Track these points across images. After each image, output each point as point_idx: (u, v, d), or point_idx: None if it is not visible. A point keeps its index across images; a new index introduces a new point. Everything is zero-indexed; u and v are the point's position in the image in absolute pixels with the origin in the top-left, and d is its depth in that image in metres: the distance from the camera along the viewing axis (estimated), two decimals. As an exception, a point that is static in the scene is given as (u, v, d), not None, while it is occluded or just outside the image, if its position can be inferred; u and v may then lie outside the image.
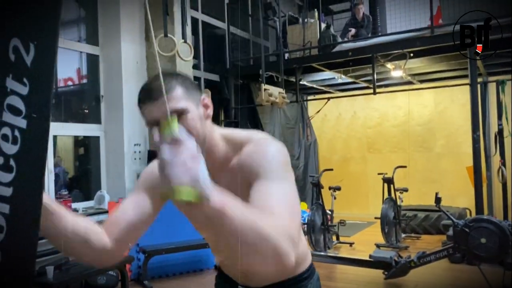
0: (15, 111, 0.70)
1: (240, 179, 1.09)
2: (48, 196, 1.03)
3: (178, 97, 1.04)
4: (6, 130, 0.68)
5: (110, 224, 1.16)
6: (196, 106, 1.07)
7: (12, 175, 0.71)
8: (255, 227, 0.85)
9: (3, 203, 0.72)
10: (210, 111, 1.12)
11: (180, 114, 1.03)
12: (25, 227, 0.78)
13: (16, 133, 0.70)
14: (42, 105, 0.73)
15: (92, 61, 5.55)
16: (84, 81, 5.91)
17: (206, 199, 0.81)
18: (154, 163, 1.22)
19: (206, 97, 1.12)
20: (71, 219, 1.06)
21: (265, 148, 1.09)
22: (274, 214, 0.92)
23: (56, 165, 5.01)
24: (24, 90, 0.70)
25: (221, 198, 0.84)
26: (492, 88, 6.82)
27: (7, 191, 0.71)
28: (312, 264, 1.34)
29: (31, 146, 0.73)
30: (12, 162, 0.71)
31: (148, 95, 1.05)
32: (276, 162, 1.06)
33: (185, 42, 4.51)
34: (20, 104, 0.69)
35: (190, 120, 1.05)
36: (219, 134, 1.17)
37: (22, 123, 0.70)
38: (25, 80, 0.70)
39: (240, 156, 1.12)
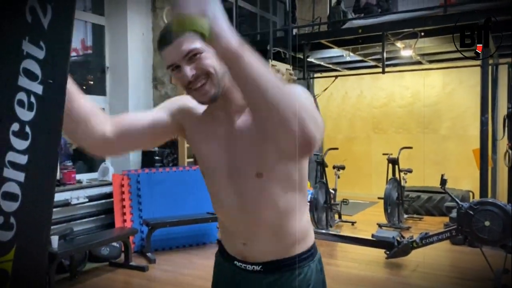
0: (31, 75, 0.67)
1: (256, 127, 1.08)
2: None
3: (191, 38, 1.01)
4: (21, 96, 0.65)
5: (118, 118, 1.18)
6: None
7: (27, 143, 0.69)
8: (276, 83, 0.84)
9: (18, 171, 0.70)
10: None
11: (196, 53, 1.04)
12: (40, 195, 0.76)
13: (32, 99, 0.67)
14: (59, 71, 0.70)
15: (98, 32, 5.47)
16: (89, 52, 5.83)
17: (217, 35, 0.80)
18: (183, 97, 1.24)
19: None
20: (78, 98, 1.08)
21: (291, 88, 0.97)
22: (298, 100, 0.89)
23: (61, 135, 5.00)
24: (41, 54, 0.67)
25: (238, 42, 0.82)
26: (502, 70, 6.73)
27: (23, 159, 0.69)
28: (314, 244, 1.30)
29: (47, 113, 0.70)
30: (27, 129, 0.68)
31: (163, 39, 1.06)
32: (303, 99, 0.97)
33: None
34: (36, 69, 0.66)
35: (206, 59, 1.05)
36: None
37: (38, 88, 0.67)
38: (41, 43, 0.67)
39: None
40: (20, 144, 0.69)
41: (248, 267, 1.24)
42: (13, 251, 0.72)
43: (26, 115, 0.68)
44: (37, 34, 0.66)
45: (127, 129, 1.17)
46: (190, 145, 1.28)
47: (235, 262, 1.27)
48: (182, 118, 1.24)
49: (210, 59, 1.05)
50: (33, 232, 0.78)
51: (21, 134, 0.68)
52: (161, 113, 1.24)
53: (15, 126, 0.67)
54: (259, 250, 1.22)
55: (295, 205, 1.19)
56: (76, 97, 1.08)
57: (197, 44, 1.03)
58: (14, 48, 0.65)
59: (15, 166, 0.70)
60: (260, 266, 1.23)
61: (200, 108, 1.22)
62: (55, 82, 0.70)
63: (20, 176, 0.71)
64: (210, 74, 1.06)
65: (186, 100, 1.23)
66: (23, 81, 0.66)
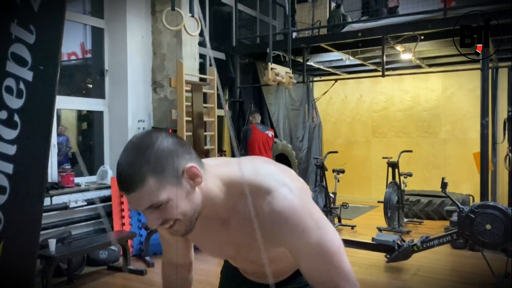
0: (20, 61, 0.64)
1: (258, 235, 1.02)
2: None
3: (151, 191, 0.93)
4: (10, 82, 0.63)
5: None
6: (178, 185, 0.96)
7: (16, 132, 0.66)
8: None
9: (6, 162, 0.67)
10: (200, 179, 0.99)
11: (159, 206, 0.96)
12: (29, 189, 0.73)
13: (21, 85, 0.65)
14: (50, 56, 0.67)
15: (97, 35, 5.45)
16: (88, 55, 5.82)
17: None
18: None
19: (192, 165, 0.98)
20: None
21: (287, 220, 1.00)
22: None
23: (60, 134, 4.97)
24: (31, 39, 0.64)
25: None
26: (502, 73, 6.72)
27: (11, 149, 0.66)
28: None
29: (37, 101, 0.68)
30: (16, 118, 0.65)
31: (120, 185, 0.95)
32: (306, 229, 1.01)
33: (193, 16, 4.41)
34: (26, 54, 0.64)
35: (172, 208, 0.96)
36: (218, 183, 1.05)
37: (28, 75, 0.64)
38: (31, 27, 0.64)
39: (258, 214, 1.02)
40: (8, 133, 0.66)
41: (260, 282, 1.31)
42: (0, 247, 0.69)
43: (14, 102, 0.65)
44: (27, 17, 0.64)
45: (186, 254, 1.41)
46: None
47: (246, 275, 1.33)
48: None
49: (177, 207, 0.96)
50: (23, 227, 0.75)
51: (9, 123, 0.66)
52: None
53: (3, 114, 0.65)
54: (262, 277, 1.26)
55: None
56: None
57: (160, 196, 0.94)
58: (1, 31, 0.62)
59: (3, 156, 0.67)
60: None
61: None
62: (46, 69, 0.68)
63: (8, 168, 0.68)
64: (177, 220, 0.99)
65: None
66: (11, 67, 0.64)
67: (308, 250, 1.01)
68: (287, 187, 1.03)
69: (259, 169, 1.08)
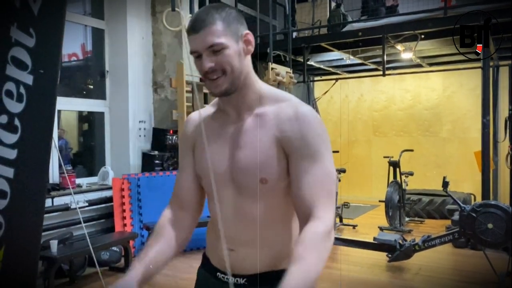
0: (20, 64, 0.64)
1: (269, 134, 1.12)
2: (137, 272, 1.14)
3: (217, 32, 1.07)
4: (10, 86, 0.63)
5: (182, 201, 1.27)
6: (236, 41, 1.10)
7: (16, 136, 0.66)
8: (321, 264, 0.99)
9: (7, 167, 0.67)
10: (251, 47, 1.14)
11: (219, 48, 1.07)
12: (30, 193, 0.73)
13: (22, 89, 0.65)
14: (50, 60, 0.67)
15: (97, 36, 5.46)
16: (89, 56, 5.82)
17: None
18: (188, 123, 1.29)
19: (249, 33, 1.14)
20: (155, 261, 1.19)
21: (309, 123, 1.12)
22: (320, 219, 1.03)
23: (59, 137, 4.98)
24: (31, 42, 0.64)
25: None
26: (503, 72, 6.71)
27: (11, 154, 0.66)
28: None
29: (38, 105, 0.68)
30: (16, 122, 0.65)
31: (192, 26, 1.09)
32: (321, 142, 1.11)
33: (193, 17, 4.40)
34: (26, 58, 0.64)
35: (227, 56, 1.08)
36: (257, 77, 1.18)
37: (28, 78, 0.64)
38: (31, 30, 0.64)
39: (276, 112, 1.14)
40: (9, 137, 0.66)
41: (231, 280, 1.16)
42: (2, 252, 0.69)
43: (15, 106, 0.65)
44: (27, 20, 0.64)
45: (196, 202, 1.28)
46: (191, 152, 1.26)
47: (218, 273, 1.22)
48: (193, 139, 1.26)
49: (231, 57, 1.09)
50: (24, 232, 0.75)
51: (9, 127, 0.65)
52: (189, 162, 1.26)
53: (3, 119, 0.64)
54: (247, 258, 1.17)
55: (293, 218, 1.17)
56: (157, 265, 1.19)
57: (222, 39, 1.07)
58: (1, 34, 0.62)
59: (3, 161, 0.67)
60: (244, 279, 1.17)
61: (209, 113, 1.25)
62: (47, 72, 0.68)
63: (9, 172, 0.68)
64: (226, 71, 1.09)
65: (191, 121, 1.28)
66: (11, 70, 0.63)
67: (313, 154, 1.09)
68: (316, 113, 1.16)
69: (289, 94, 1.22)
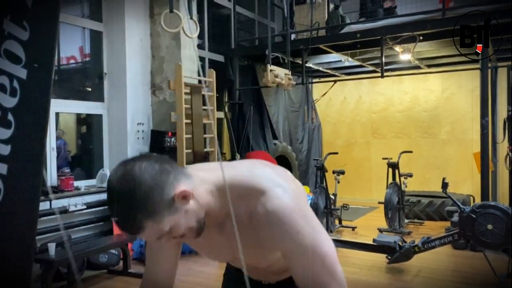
0: (13, 58, 0.63)
1: (253, 238, 1.06)
2: None
3: (153, 229, 0.97)
4: (3, 80, 0.61)
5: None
6: (174, 212, 0.98)
7: (10, 131, 0.65)
8: None
9: (0, 163, 0.65)
10: (191, 200, 1.01)
11: (163, 236, 1.01)
12: (24, 190, 0.71)
13: (15, 84, 0.63)
14: (44, 54, 0.66)
15: (95, 38, 5.45)
16: (87, 59, 5.81)
17: None
18: None
19: (181, 192, 0.99)
20: None
21: (282, 224, 1.02)
22: None
23: (57, 138, 4.96)
24: (24, 35, 0.63)
25: None
26: (502, 73, 6.72)
27: (5, 149, 0.65)
28: None
29: (32, 99, 0.66)
30: (10, 117, 0.64)
31: (124, 232, 1.01)
32: (303, 234, 1.03)
33: (191, 18, 4.40)
34: (19, 51, 0.63)
35: (177, 229, 1.01)
36: (211, 188, 1.07)
37: (22, 72, 0.63)
38: (25, 23, 0.63)
39: (248, 215, 1.05)
40: (2, 133, 0.65)
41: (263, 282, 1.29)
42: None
43: (8, 101, 0.64)
44: (20, 13, 0.63)
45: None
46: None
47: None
48: None
49: (180, 230, 1.01)
50: (18, 230, 0.74)
51: (3, 122, 0.64)
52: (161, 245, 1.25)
53: (-3, 113, 0.63)
54: (267, 280, 1.28)
55: None
56: None
57: (162, 229, 0.98)
58: (-6, 27, 0.61)
59: (-3, 156, 0.65)
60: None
61: None
62: (41, 66, 0.66)
63: (2, 168, 0.66)
64: (185, 233, 1.04)
65: None
66: (4, 64, 0.62)
67: (302, 251, 1.02)
68: (281, 187, 1.05)
69: (254, 171, 1.10)
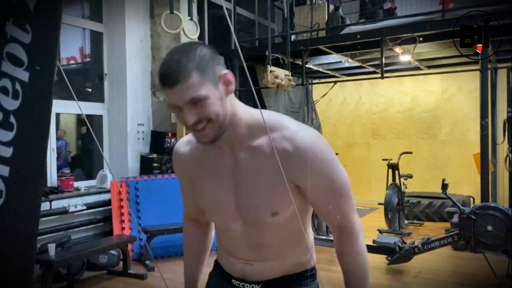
0: (16, 61, 0.63)
1: (270, 169, 1.08)
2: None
3: (194, 84, 0.99)
4: (5, 82, 0.62)
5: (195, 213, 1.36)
6: (215, 86, 1.03)
7: (12, 134, 0.65)
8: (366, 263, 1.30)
9: (2, 165, 0.66)
10: (232, 87, 1.07)
11: (198, 101, 1.01)
12: (26, 192, 0.71)
13: (17, 86, 0.64)
14: (46, 56, 0.66)
15: (96, 39, 5.45)
16: (87, 60, 5.82)
17: None
18: (178, 150, 1.26)
19: (228, 72, 1.06)
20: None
21: (311, 156, 1.07)
22: (350, 228, 1.17)
23: (59, 138, 4.97)
24: (27, 38, 0.63)
25: None
26: (501, 74, 6.72)
27: (7, 151, 0.65)
28: (315, 267, 1.29)
29: (33, 102, 0.67)
30: (12, 119, 0.64)
31: (165, 81, 1.01)
32: (326, 163, 1.11)
33: (191, 19, 4.40)
34: (21, 54, 0.63)
35: (209, 105, 1.02)
36: (244, 109, 1.13)
37: (23, 75, 0.63)
38: (27, 26, 0.63)
39: (271, 145, 1.07)
40: (4, 135, 0.65)
41: (247, 286, 1.22)
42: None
43: (10, 103, 0.64)
44: (22, 16, 0.63)
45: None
46: (189, 184, 1.27)
47: (233, 280, 1.24)
48: (188, 172, 1.25)
49: (213, 105, 1.03)
50: (19, 231, 0.74)
51: (5, 125, 0.64)
52: (189, 191, 1.30)
53: (-1, 116, 0.63)
54: (261, 270, 1.21)
55: (302, 230, 1.19)
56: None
57: (201, 90, 1.00)
58: (-4, 30, 0.61)
59: (-1, 158, 0.66)
60: (259, 285, 1.21)
61: (197, 145, 1.21)
62: (43, 69, 0.67)
63: (4, 170, 0.67)
64: (211, 119, 1.04)
65: (180, 155, 1.25)
66: (7, 67, 0.62)
67: (332, 183, 1.12)
68: (311, 128, 1.17)
69: (282, 116, 1.17)
